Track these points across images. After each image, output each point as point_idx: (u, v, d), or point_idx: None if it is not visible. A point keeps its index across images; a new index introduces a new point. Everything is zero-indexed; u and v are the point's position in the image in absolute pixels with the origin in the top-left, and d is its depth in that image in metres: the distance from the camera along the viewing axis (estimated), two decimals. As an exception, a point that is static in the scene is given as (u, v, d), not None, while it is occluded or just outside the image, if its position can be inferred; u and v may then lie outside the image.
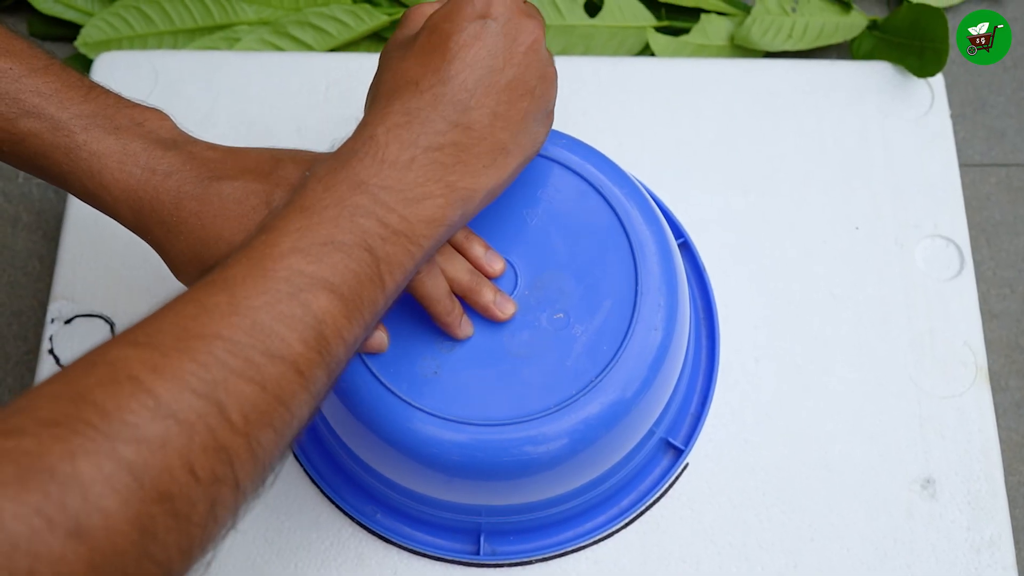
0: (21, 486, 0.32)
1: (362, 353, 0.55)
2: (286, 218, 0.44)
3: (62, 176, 0.53)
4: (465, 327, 0.56)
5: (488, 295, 0.55)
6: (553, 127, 0.63)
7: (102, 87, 0.54)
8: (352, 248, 0.44)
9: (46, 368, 0.68)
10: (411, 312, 0.55)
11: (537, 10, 0.53)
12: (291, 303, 0.41)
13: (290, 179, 0.54)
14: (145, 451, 0.35)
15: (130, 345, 0.38)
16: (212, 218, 0.52)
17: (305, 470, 0.65)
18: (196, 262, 0.53)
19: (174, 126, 0.55)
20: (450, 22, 0.50)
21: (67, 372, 0.37)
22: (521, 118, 0.51)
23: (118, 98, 0.54)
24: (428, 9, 0.54)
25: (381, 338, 0.54)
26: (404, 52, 0.51)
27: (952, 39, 0.74)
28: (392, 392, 0.55)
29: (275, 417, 0.40)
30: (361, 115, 0.76)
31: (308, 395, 0.42)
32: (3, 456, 0.33)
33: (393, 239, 0.46)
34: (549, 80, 0.53)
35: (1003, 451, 0.71)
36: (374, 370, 0.55)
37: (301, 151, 0.57)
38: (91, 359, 0.38)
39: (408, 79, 0.49)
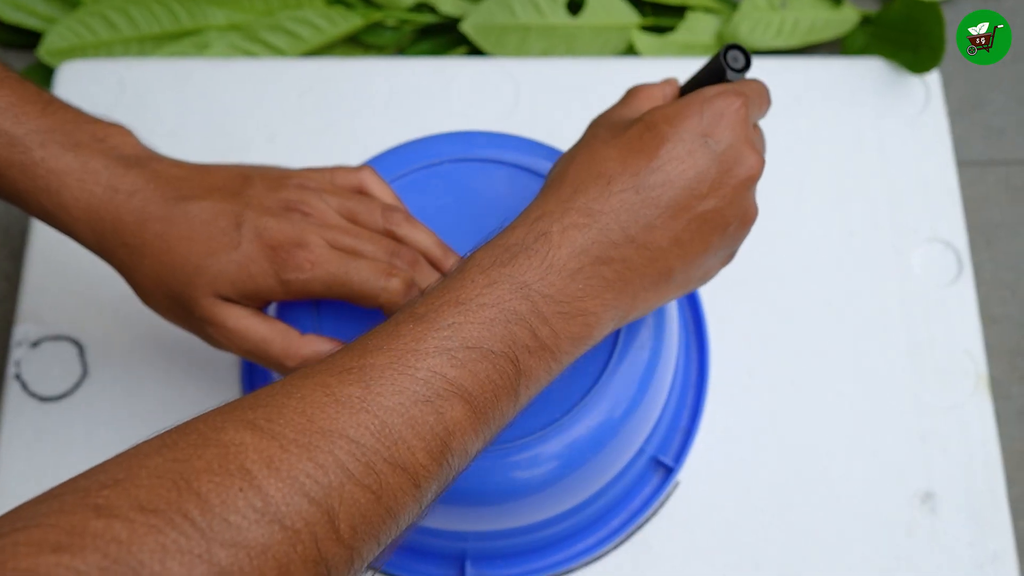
0: None
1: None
2: (439, 310, 0.41)
3: (18, 195, 0.50)
4: None
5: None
6: (532, 135, 0.60)
7: (61, 101, 0.52)
8: (499, 358, 0.41)
9: (13, 393, 0.66)
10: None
11: (764, 144, 0.49)
12: (425, 408, 0.38)
13: (260, 198, 0.51)
14: (242, 557, 0.32)
15: (247, 428, 0.35)
16: (178, 240, 0.50)
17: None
18: (162, 287, 0.51)
19: (137, 142, 0.53)
20: (670, 126, 0.46)
21: (174, 443, 0.35)
22: (702, 251, 0.47)
23: (78, 113, 0.52)
24: (655, 92, 0.50)
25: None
26: (611, 136, 0.47)
27: (951, 38, 0.72)
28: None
29: (382, 530, 0.37)
30: (334, 124, 0.74)
31: (417, 507, 0.39)
32: (91, 540, 0.30)
33: (539, 353, 0.43)
34: (748, 223, 0.48)
35: (1007, 460, 0.69)
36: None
37: (271, 168, 0.54)
38: (203, 433, 0.35)
39: (601, 172, 0.45)
